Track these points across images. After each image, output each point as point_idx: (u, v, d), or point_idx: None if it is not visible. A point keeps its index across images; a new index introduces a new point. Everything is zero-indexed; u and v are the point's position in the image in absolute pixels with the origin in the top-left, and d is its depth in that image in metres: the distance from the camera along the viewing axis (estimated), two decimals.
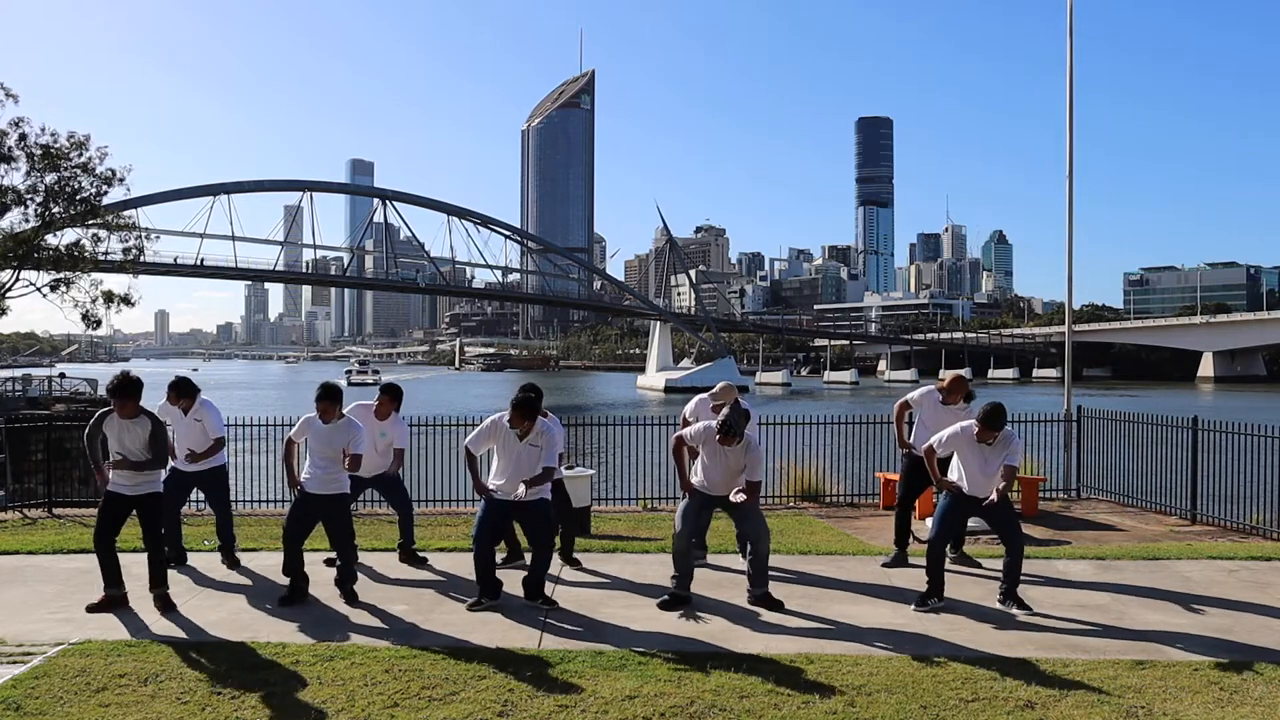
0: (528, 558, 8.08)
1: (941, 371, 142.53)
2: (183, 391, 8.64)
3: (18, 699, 5.34)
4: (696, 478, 7.54)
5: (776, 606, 7.30)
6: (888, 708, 5.29)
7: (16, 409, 30.92)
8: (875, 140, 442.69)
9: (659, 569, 8.44)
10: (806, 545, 9.70)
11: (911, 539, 8.97)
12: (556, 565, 8.18)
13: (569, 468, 10.57)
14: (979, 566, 8.62)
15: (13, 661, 6.00)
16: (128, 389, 7.10)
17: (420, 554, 8.96)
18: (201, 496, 9.36)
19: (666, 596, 7.38)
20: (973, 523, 8.79)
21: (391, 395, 8.84)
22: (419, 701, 5.36)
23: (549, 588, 7.60)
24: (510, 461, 7.29)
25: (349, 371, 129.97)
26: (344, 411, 7.76)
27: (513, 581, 7.78)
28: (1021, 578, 7.52)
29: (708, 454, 7.44)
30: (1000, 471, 7.34)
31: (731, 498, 7.27)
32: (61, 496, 12.65)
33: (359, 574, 8.26)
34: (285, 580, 7.62)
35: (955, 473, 7.60)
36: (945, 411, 8.77)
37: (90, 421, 7.34)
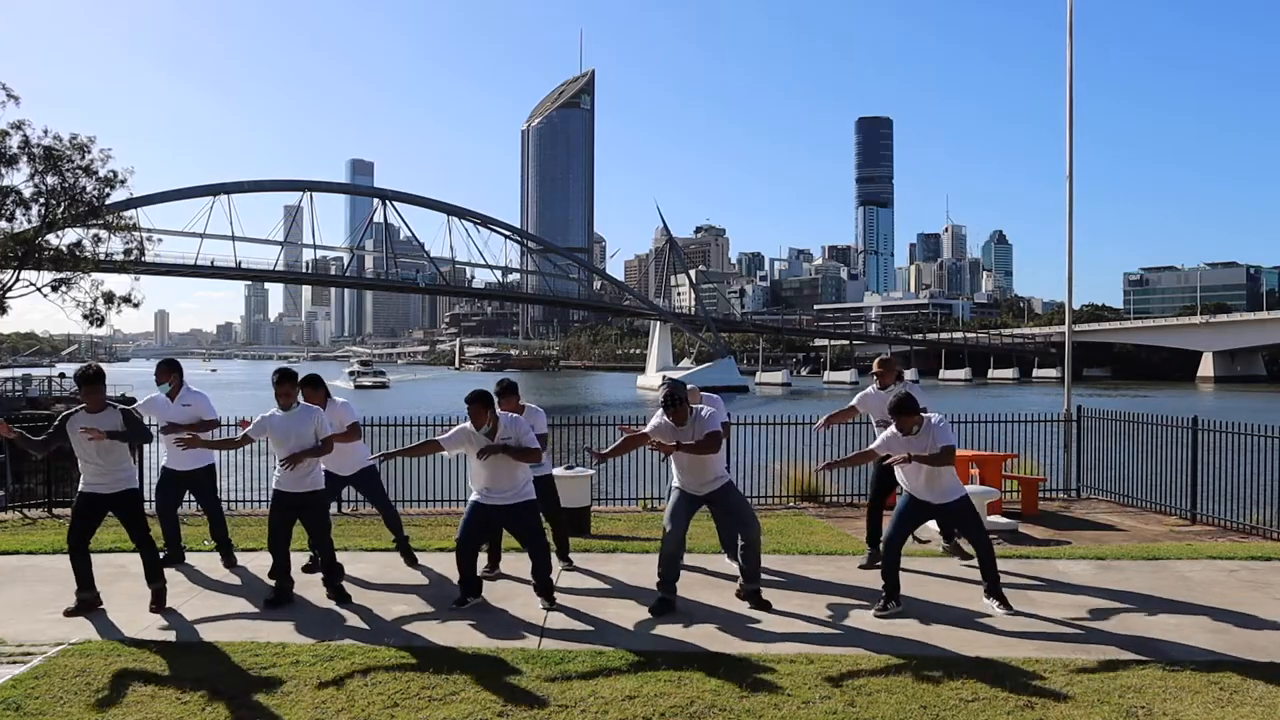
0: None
1: (942, 371, 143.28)
2: (172, 366, 8.63)
3: (18, 699, 5.34)
4: (676, 478, 7.49)
5: (764, 606, 7.27)
6: (888, 708, 5.29)
7: (17, 409, 30.90)
8: (875, 140, 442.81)
9: None
10: (806, 545, 9.70)
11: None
12: (556, 568, 8.19)
13: (568, 467, 10.57)
14: (972, 558, 8.59)
15: (13, 661, 6.00)
16: (99, 376, 7.04)
17: (414, 551, 8.91)
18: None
19: (656, 602, 7.27)
20: None
21: (314, 385, 8.26)
22: (419, 701, 5.35)
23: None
24: (486, 463, 7.24)
25: (352, 373, 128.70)
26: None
27: (514, 581, 7.78)
28: (1020, 579, 7.50)
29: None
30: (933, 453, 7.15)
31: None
32: (61, 496, 12.61)
33: (360, 575, 8.28)
34: None
35: (904, 475, 7.46)
36: (887, 397, 8.76)
37: (53, 425, 7.13)
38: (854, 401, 9.18)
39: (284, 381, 7.43)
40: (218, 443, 8.35)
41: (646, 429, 7.47)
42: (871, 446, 7.70)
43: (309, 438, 7.34)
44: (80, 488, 7.16)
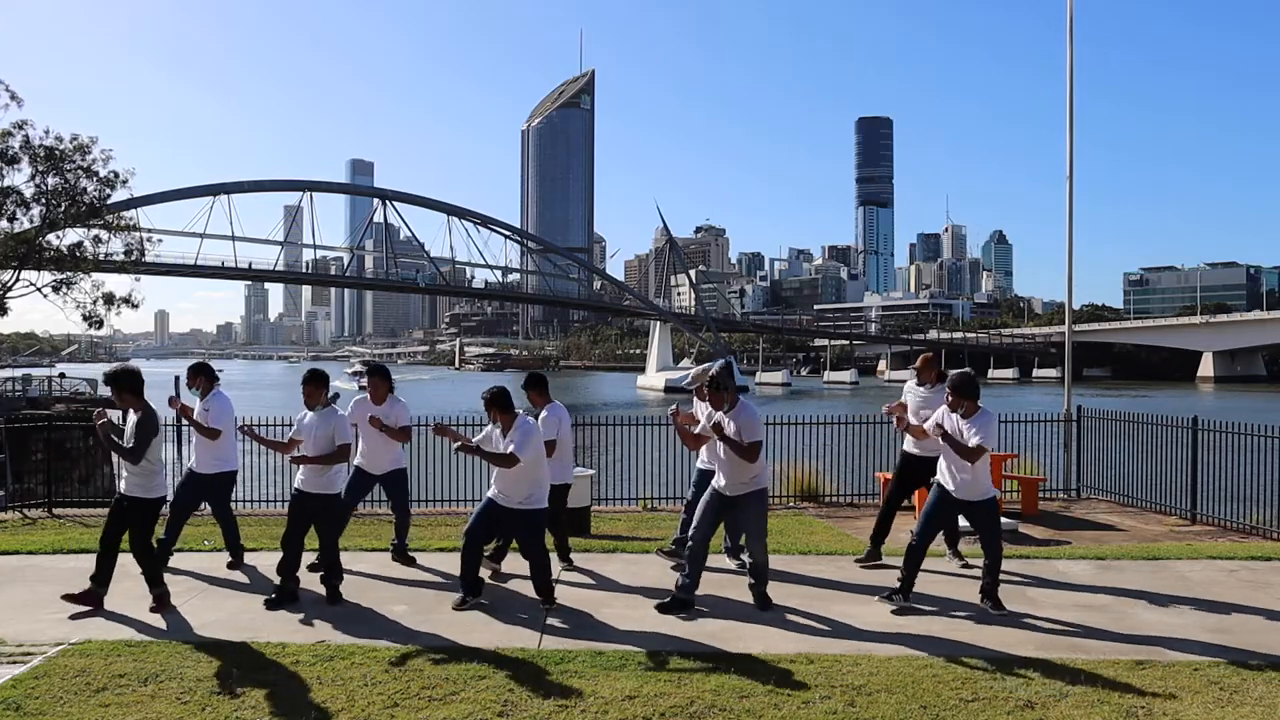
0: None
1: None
2: (199, 370, 8.80)
3: (18, 699, 5.35)
4: (717, 475, 7.47)
5: (769, 608, 7.28)
6: (888, 708, 5.29)
7: (17, 409, 30.90)
8: (875, 140, 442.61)
9: (659, 569, 8.46)
10: (806, 545, 9.70)
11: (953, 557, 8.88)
12: (556, 568, 8.19)
13: None
14: (972, 566, 8.61)
15: (13, 661, 6.00)
16: (117, 380, 7.15)
17: (411, 554, 8.92)
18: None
19: (669, 599, 7.25)
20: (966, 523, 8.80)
21: (381, 376, 8.79)
22: (419, 701, 5.36)
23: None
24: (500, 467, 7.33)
25: (355, 373, 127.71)
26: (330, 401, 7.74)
27: (515, 581, 7.78)
28: (1020, 579, 7.48)
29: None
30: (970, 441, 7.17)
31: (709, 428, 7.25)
32: (61, 496, 12.66)
33: (359, 575, 8.29)
34: None
35: (941, 463, 7.51)
36: (929, 394, 8.81)
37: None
38: (903, 398, 9.19)
39: (308, 383, 7.67)
40: (270, 441, 8.20)
41: (699, 428, 7.53)
42: (927, 424, 7.60)
43: (325, 441, 7.46)
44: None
